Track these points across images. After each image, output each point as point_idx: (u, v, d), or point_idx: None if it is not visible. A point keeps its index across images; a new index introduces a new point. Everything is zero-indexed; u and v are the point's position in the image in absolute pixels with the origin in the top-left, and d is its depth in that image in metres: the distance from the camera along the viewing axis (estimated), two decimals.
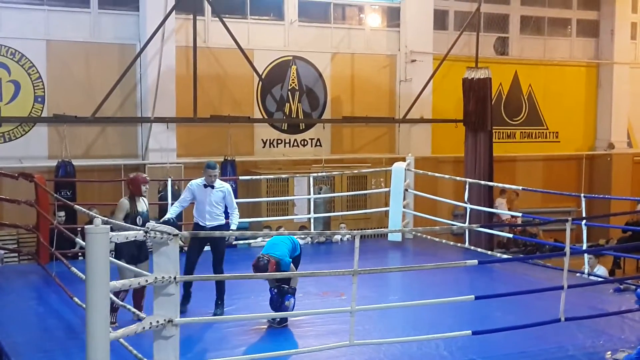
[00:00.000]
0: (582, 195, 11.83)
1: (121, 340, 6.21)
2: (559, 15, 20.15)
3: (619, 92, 20.27)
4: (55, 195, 11.16)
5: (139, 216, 8.04)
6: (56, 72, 14.41)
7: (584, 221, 11.18)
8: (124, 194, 14.46)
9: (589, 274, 10.89)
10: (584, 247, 11.22)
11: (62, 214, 12.31)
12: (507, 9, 19.33)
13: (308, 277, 10.12)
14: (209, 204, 8.69)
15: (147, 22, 14.52)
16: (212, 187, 8.72)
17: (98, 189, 14.32)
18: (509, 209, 17.05)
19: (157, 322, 5.86)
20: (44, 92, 14.35)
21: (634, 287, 9.95)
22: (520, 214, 15.30)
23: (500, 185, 14.38)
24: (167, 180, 12.63)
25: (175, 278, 5.92)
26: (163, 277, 5.87)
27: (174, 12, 14.33)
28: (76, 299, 8.15)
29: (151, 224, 6.06)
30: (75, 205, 9.55)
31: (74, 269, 8.52)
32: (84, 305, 5.39)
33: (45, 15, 14.35)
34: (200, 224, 8.69)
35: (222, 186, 8.82)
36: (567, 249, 7.70)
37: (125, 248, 7.63)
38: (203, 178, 8.75)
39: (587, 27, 20.50)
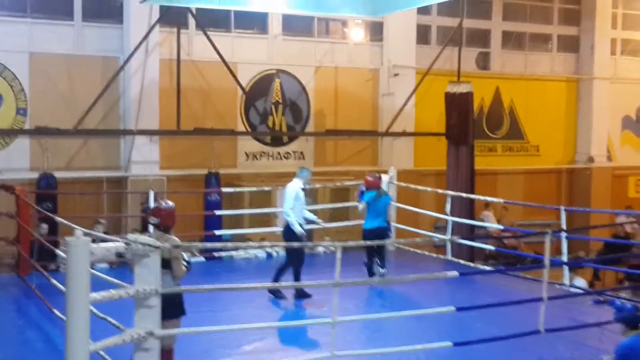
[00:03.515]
0: (562, 208, 11.95)
1: (101, 352, 6.20)
2: (540, 31, 20.38)
3: (599, 107, 20.49)
4: (36, 207, 11.14)
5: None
6: (39, 85, 14.37)
7: (564, 234, 11.30)
8: (107, 209, 14.50)
9: (568, 286, 10.98)
10: (564, 259, 11.32)
11: (45, 225, 12.25)
12: (489, 24, 19.53)
13: (290, 289, 10.19)
14: (304, 205, 10.08)
15: (130, 35, 14.54)
16: (305, 189, 10.15)
17: (80, 202, 14.27)
18: (499, 222, 17.11)
19: (138, 334, 5.86)
20: (26, 104, 14.29)
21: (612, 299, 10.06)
22: (501, 227, 15.40)
23: (481, 197, 14.47)
24: (150, 192, 12.62)
25: (156, 290, 5.93)
26: (144, 289, 5.87)
27: (157, 25, 14.35)
28: (56, 311, 8.12)
29: (133, 235, 6.06)
30: (57, 218, 9.53)
31: (54, 281, 8.49)
32: (64, 318, 5.38)
33: (28, 28, 14.32)
34: (301, 223, 10.05)
35: None
36: (547, 261, 7.78)
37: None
38: (301, 182, 10.04)
39: (568, 42, 20.75)
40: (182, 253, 6.65)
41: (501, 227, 15.66)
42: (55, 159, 14.11)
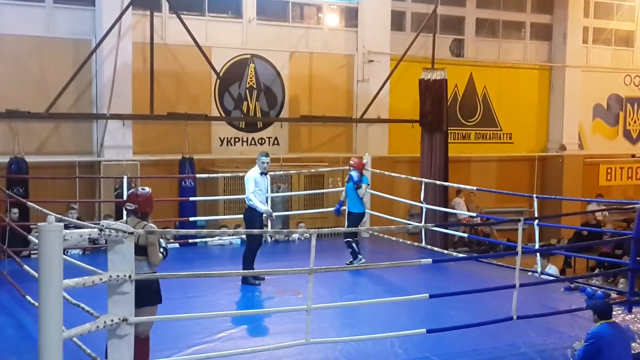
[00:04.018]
0: (535, 195, 12.05)
1: (75, 339, 6.14)
2: (513, 19, 20.47)
3: (571, 95, 20.69)
4: (7, 192, 10.97)
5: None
6: (9, 67, 14.13)
7: (536, 221, 11.41)
8: (79, 194, 14.35)
9: (540, 273, 11.10)
10: (536, 247, 11.44)
11: (16, 210, 12.09)
12: (462, 11, 19.58)
13: (264, 276, 10.18)
14: (265, 190, 10.22)
15: (103, 17, 14.34)
16: (266, 174, 10.21)
17: (52, 186, 14.09)
18: (468, 209, 17.26)
19: (112, 320, 5.82)
20: None
21: (583, 286, 10.20)
22: (474, 214, 15.52)
23: (455, 185, 14.55)
24: (124, 177, 12.51)
25: (130, 276, 5.88)
26: (118, 276, 5.83)
27: (130, 7, 14.16)
28: (29, 298, 8.03)
29: (105, 222, 6.00)
30: (28, 203, 9.40)
31: (26, 267, 8.38)
32: (37, 304, 5.32)
33: None
34: (267, 210, 10.15)
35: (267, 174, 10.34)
36: (519, 249, 7.85)
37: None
38: (257, 167, 10.08)
39: (541, 30, 20.89)
40: (160, 240, 6.58)
41: (473, 214, 15.78)
42: (26, 143, 13.91)
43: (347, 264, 11.05)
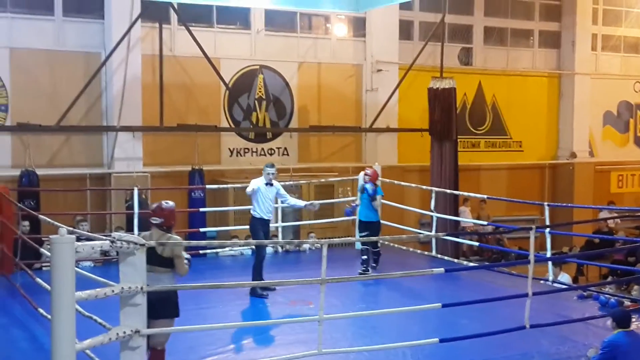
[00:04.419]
0: (546, 203, 12.01)
1: (87, 351, 6.15)
2: (521, 27, 20.46)
3: (580, 102, 20.63)
4: (19, 205, 11.02)
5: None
6: (20, 81, 14.22)
7: (548, 229, 11.36)
8: (90, 206, 14.40)
9: (553, 281, 11.04)
10: (548, 255, 11.38)
11: (27, 223, 12.13)
12: (470, 19, 19.58)
13: (276, 286, 10.16)
14: (271, 200, 10.24)
15: (112, 30, 14.42)
16: (272, 185, 10.28)
17: (63, 199, 14.16)
18: (478, 217, 17.21)
19: (124, 332, 5.82)
20: (7, 100, 14.15)
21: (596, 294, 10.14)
22: (485, 223, 15.46)
23: (465, 194, 14.51)
24: (134, 189, 12.54)
25: (142, 288, 5.89)
26: (130, 287, 5.83)
27: (139, 20, 14.25)
28: (41, 310, 8.05)
29: (117, 234, 6.01)
30: (40, 215, 9.43)
31: (38, 280, 8.41)
32: (50, 317, 5.33)
33: (8, 23, 14.15)
34: (265, 218, 10.26)
35: (275, 184, 10.36)
36: (532, 257, 7.82)
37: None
38: (263, 178, 10.21)
39: (549, 38, 20.86)
40: (182, 251, 6.61)
41: (484, 222, 15.73)
42: (37, 156, 13.97)
43: (363, 272, 11.32)
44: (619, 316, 7.13)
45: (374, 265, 11.65)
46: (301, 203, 10.88)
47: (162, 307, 6.26)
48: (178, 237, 6.62)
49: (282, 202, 11.22)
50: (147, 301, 6.05)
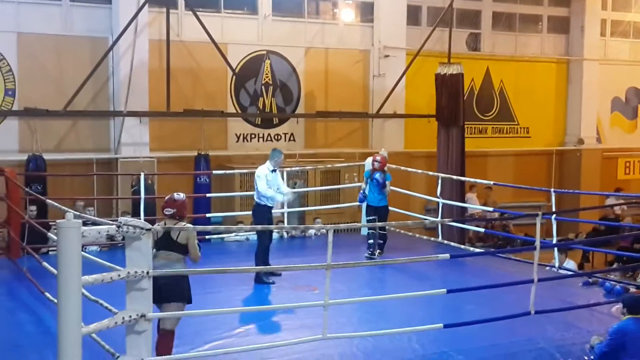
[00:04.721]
0: (552, 190, 11.99)
1: (93, 335, 6.19)
2: (530, 12, 20.35)
3: (589, 88, 20.54)
4: (26, 189, 11.06)
5: None
6: (27, 65, 14.25)
7: (554, 215, 11.34)
8: (97, 191, 14.45)
9: (558, 268, 11.04)
10: (554, 241, 11.37)
11: (34, 208, 12.18)
12: (479, 5, 19.47)
13: (281, 271, 10.19)
14: (275, 187, 10.08)
15: (119, 15, 14.41)
16: (276, 171, 10.16)
17: (70, 183, 14.21)
18: (485, 204, 17.18)
19: (130, 317, 5.85)
20: (14, 85, 14.18)
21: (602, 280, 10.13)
22: (491, 209, 15.45)
23: (472, 180, 14.48)
24: (140, 174, 12.56)
25: (147, 273, 5.91)
26: (136, 272, 5.86)
27: (146, 5, 14.22)
28: (47, 294, 8.10)
29: (123, 218, 6.04)
30: (47, 200, 9.48)
31: (45, 264, 8.46)
32: (56, 300, 5.36)
33: (15, 8, 14.15)
34: (270, 205, 10.10)
35: (277, 170, 10.24)
36: (537, 243, 7.81)
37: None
38: (270, 164, 10.04)
39: (558, 23, 20.73)
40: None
41: (490, 209, 15.71)
42: (44, 141, 14.02)
43: (369, 257, 11.35)
44: (631, 302, 7.07)
45: (380, 251, 11.62)
46: (280, 197, 10.52)
47: (173, 291, 6.49)
48: (190, 225, 6.95)
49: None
50: (158, 285, 6.24)
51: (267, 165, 10.23)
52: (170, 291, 6.46)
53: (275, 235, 13.37)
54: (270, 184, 10.17)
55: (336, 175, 15.56)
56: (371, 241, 11.56)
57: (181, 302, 6.66)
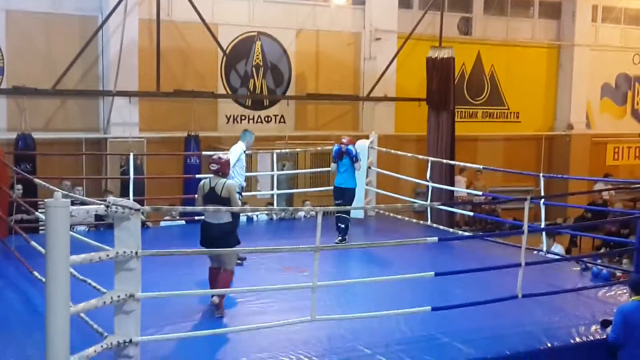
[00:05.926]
0: (541, 174, 12.02)
1: (82, 314, 6.18)
2: None
3: (579, 74, 20.58)
4: (14, 168, 11.00)
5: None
6: (16, 43, 14.12)
7: (542, 200, 11.38)
8: (86, 171, 14.40)
9: (546, 252, 11.09)
10: (542, 226, 11.42)
11: (20, 187, 12.09)
12: None
13: (270, 253, 10.20)
14: (246, 168, 10.23)
15: None
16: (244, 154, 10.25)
17: (59, 163, 14.13)
18: (474, 188, 17.23)
19: (118, 296, 5.84)
20: (3, 63, 14.07)
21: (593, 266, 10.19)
22: (480, 193, 15.49)
23: (461, 164, 14.51)
24: (130, 154, 12.51)
25: (136, 253, 5.90)
26: (124, 252, 5.85)
27: None
28: (36, 273, 8.08)
29: (112, 198, 6.01)
30: (35, 179, 9.43)
31: (33, 243, 8.43)
32: (44, 280, 5.35)
33: None
34: (244, 185, 10.23)
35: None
36: (525, 227, 7.84)
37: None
38: (243, 145, 10.05)
39: (549, 8, 20.72)
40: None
41: (479, 192, 15.76)
42: (33, 120, 13.94)
43: (338, 242, 11.06)
44: (637, 284, 7.15)
45: (341, 237, 11.19)
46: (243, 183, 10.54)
47: (226, 241, 7.68)
48: (233, 182, 8.20)
49: None
50: (214, 236, 7.67)
51: (241, 146, 10.21)
52: (223, 242, 7.60)
53: (264, 217, 13.37)
54: (243, 163, 10.19)
55: (326, 158, 15.49)
56: (342, 225, 11.33)
57: (234, 246, 7.90)
